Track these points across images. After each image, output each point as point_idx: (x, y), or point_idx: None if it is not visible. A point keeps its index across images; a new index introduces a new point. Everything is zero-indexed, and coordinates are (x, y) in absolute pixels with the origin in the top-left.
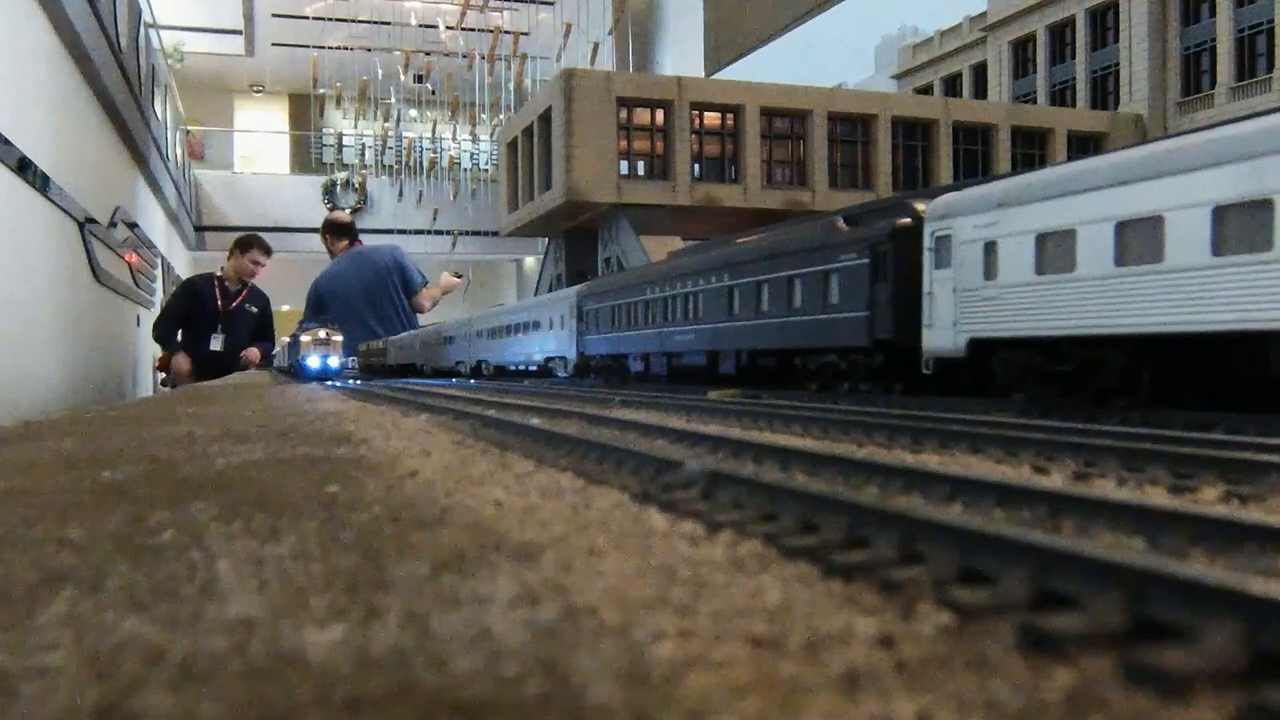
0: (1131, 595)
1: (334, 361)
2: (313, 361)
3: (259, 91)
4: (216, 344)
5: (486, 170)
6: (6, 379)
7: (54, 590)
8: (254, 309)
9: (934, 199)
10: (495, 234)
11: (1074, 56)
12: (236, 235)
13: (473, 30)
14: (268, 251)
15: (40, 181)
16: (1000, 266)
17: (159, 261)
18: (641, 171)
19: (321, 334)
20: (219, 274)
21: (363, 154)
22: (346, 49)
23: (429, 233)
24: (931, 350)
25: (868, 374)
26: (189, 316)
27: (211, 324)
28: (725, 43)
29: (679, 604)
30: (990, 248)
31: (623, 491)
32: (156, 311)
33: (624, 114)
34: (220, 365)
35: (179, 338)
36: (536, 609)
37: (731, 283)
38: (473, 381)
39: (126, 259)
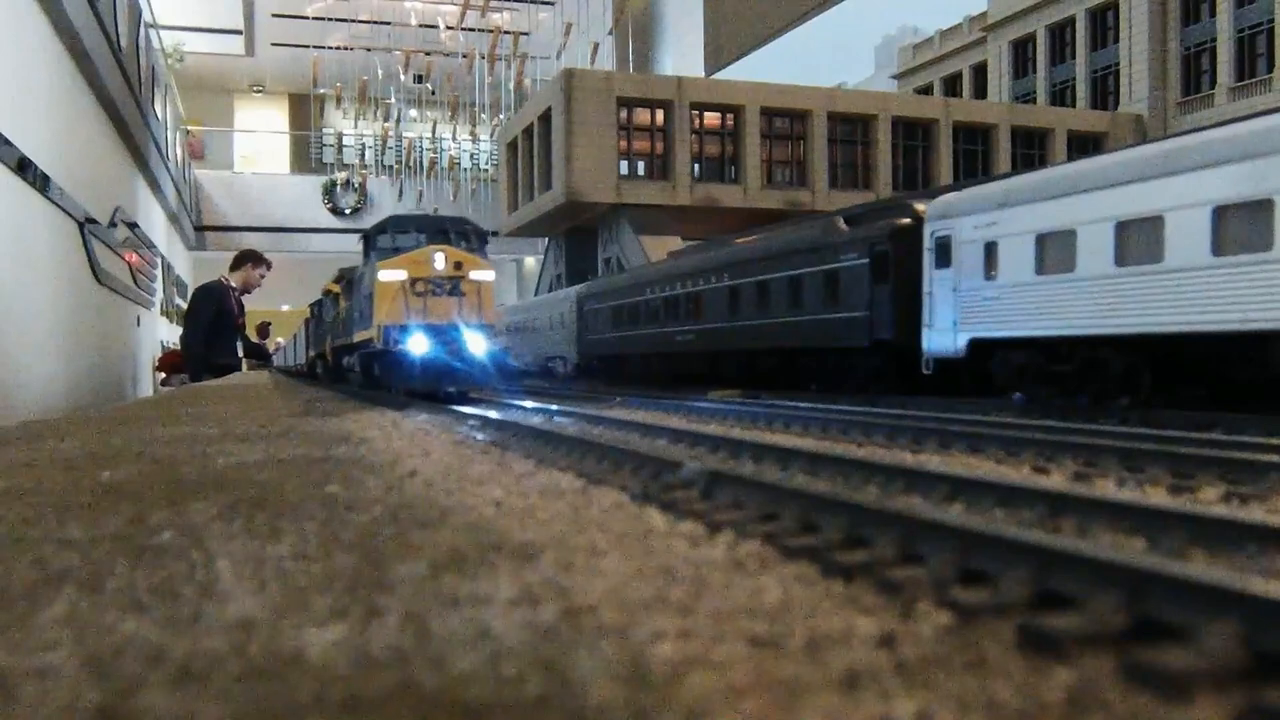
0: (1131, 595)
1: (479, 345)
2: (419, 344)
3: (259, 91)
4: (240, 350)
5: (486, 170)
6: (6, 379)
7: (54, 590)
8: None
9: (934, 199)
10: (495, 234)
11: (1074, 56)
12: (237, 244)
13: (473, 30)
14: (271, 267)
15: (40, 181)
16: (1000, 267)
17: (159, 261)
18: (641, 171)
19: (438, 262)
20: (231, 284)
21: (363, 154)
22: (346, 49)
23: None
24: (931, 350)
25: (868, 374)
26: (220, 323)
27: (235, 331)
28: (725, 43)
29: (679, 604)
30: (990, 248)
31: (623, 491)
32: (155, 311)
33: (624, 114)
34: (235, 367)
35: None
36: (536, 609)
37: (731, 283)
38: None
39: (126, 259)
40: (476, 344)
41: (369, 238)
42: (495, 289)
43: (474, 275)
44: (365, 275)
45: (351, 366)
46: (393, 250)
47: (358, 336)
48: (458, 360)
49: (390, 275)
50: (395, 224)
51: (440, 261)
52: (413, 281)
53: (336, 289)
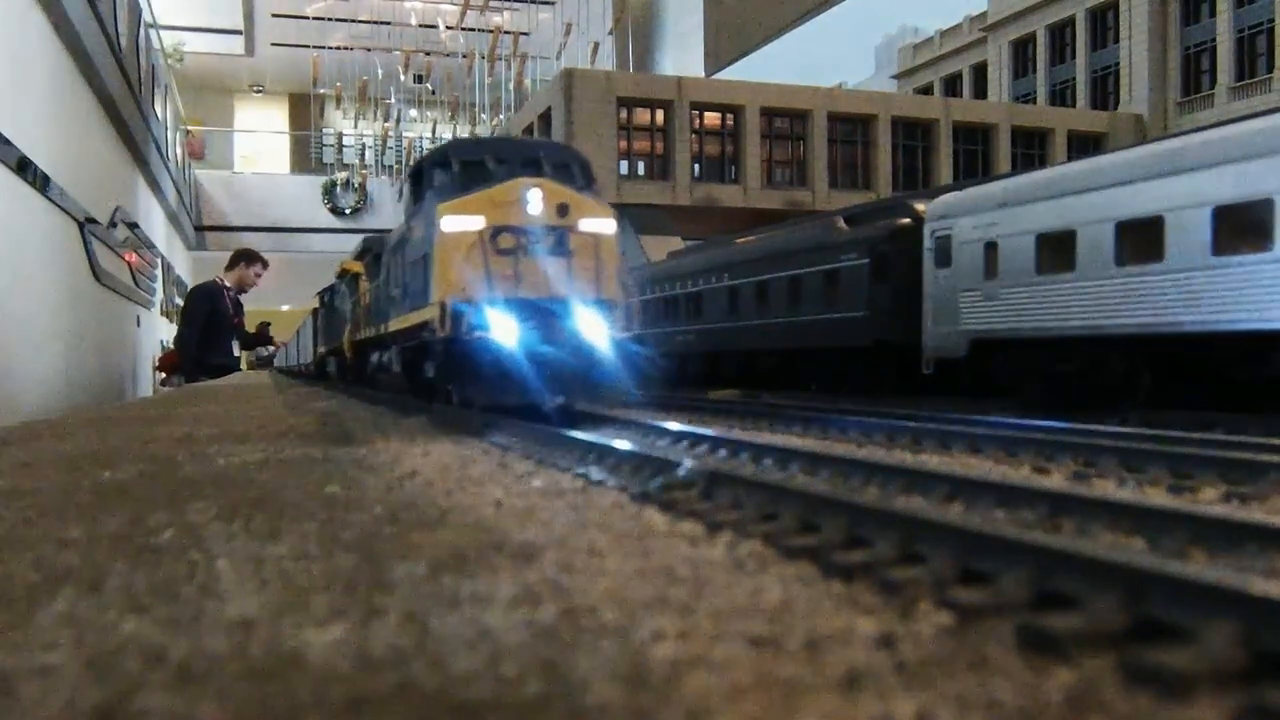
0: (1131, 595)
1: (600, 331)
2: (505, 329)
3: (259, 91)
4: (236, 349)
5: None
6: (6, 379)
7: (54, 590)
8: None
9: (934, 199)
10: None
11: (1074, 56)
12: (237, 244)
13: (473, 30)
14: (266, 266)
15: (40, 181)
16: (1001, 266)
17: (159, 261)
18: (641, 171)
19: (533, 203)
20: (226, 284)
21: (363, 154)
22: (346, 49)
23: None
24: (932, 350)
25: (868, 374)
26: (215, 323)
27: (231, 332)
28: (725, 42)
29: (679, 604)
30: (990, 248)
31: (622, 491)
32: (155, 311)
33: (624, 114)
34: (231, 368)
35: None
36: (536, 609)
37: (731, 283)
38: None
39: (126, 259)
40: (595, 330)
41: (421, 171)
42: (617, 249)
43: (586, 225)
44: (415, 230)
45: (386, 365)
46: (459, 188)
47: (398, 323)
48: (568, 354)
49: (459, 224)
50: (460, 150)
51: (536, 202)
52: (494, 233)
53: (358, 267)
